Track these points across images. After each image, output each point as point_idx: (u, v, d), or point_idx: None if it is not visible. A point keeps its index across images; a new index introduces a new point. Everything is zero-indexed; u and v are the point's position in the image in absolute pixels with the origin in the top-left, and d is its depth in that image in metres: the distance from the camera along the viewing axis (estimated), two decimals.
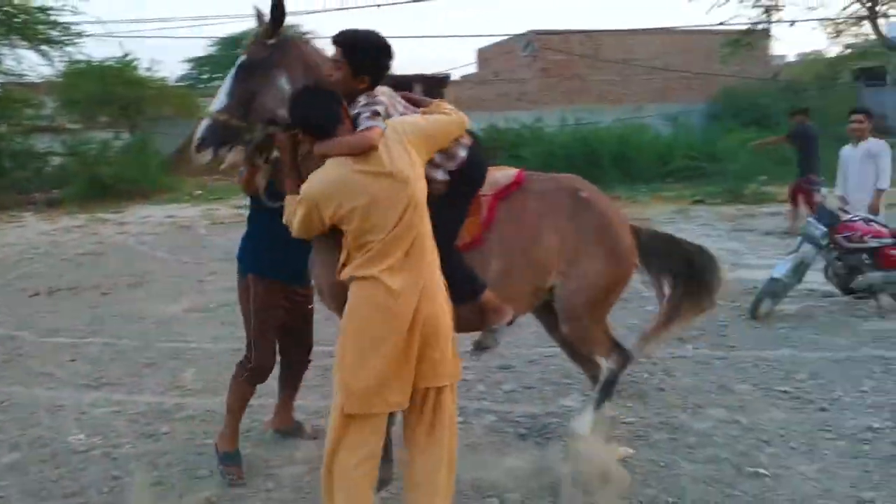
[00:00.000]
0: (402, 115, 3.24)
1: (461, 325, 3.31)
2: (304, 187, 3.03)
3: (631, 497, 3.70)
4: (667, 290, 4.21)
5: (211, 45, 38.21)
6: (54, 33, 19.79)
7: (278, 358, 4.25)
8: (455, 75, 37.92)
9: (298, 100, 3.06)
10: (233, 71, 3.31)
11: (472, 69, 37.63)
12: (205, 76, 39.36)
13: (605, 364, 3.91)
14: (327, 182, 2.98)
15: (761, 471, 3.93)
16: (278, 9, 3.22)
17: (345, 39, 3.16)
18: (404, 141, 3.02)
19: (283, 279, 3.98)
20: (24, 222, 17.66)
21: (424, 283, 2.99)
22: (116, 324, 7.60)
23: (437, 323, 3.02)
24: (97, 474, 4.20)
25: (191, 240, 13.88)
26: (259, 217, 3.92)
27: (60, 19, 19.54)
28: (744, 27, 23.74)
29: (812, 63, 30.33)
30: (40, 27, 19.47)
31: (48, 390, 5.66)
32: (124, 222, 17.01)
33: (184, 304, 8.47)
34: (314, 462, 3.91)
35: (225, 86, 3.31)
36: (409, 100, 3.42)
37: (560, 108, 27.85)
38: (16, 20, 18.75)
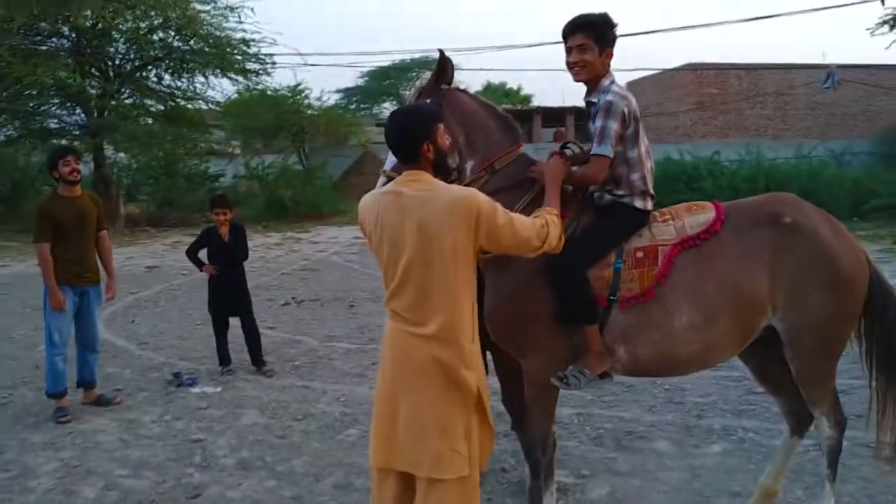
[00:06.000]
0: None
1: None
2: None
3: None
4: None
5: (360, 77, 40.11)
6: (251, 64, 21.04)
7: None
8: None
9: (385, 131, 2.95)
10: None
11: None
12: (352, 106, 41.17)
13: (824, 428, 3.44)
14: None
15: None
16: (442, 63, 3.43)
17: (584, 21, 3.32)
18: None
19: None
20: None
21: None
22: None
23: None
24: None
25: None
26: None
27: (260, 50, 20.74)
28: None
29: None
30: (238, 57, 20.75)
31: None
32: (316, 241, 17.96)
33: None
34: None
35: None
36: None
37: (714, 141, 27.52)
38: (219, 52, 20.03)
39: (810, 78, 28.32)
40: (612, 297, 3.26)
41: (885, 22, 21.54)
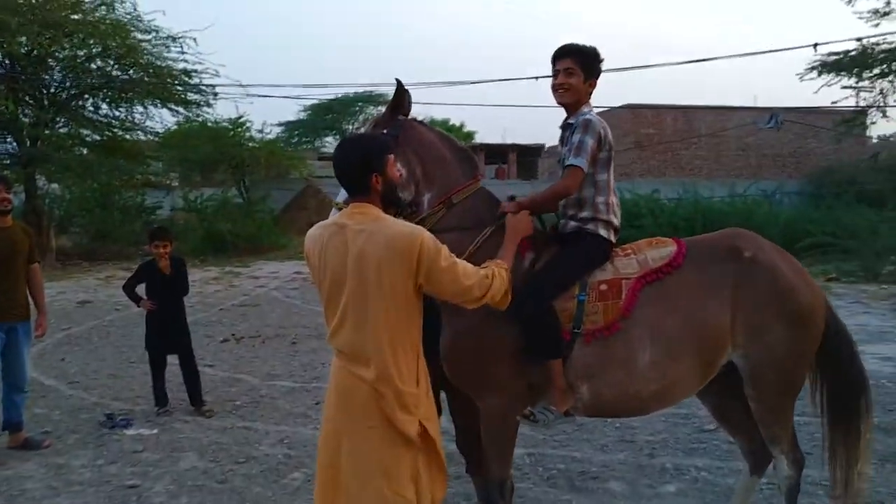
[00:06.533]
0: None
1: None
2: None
3: None
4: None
5: (303, 111, 39.95)
6: (193, 95, 20.71)
7: None
8: (547, 145, 38.73)
9: (333, 161, 2.90)
10: None
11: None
12: (294, 139, 40.92)
13: (783, 468, 3.43)
14: None
15: None
16: (399, 93, 3.39)
17: (574, 48, 3.45)
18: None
19: None
20: None
21: None
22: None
23: None
24: None
25: None
26: None
27: (203, 81, 20.43)
28: (857, 108, 23.58)
29: None
30: (179, 88, 20.42)
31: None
32: (256, 276, 17.59)
33: None
34: None
35: None
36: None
37: (652, 179, 28.10)
38: (159, 82, 19.67)
39: (750, 119, 29.26)
40: (575, 331, 3.21)
41: (814, 67, 22.40)
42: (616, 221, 3.46)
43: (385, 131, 3.35)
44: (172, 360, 6.61)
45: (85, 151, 21.34)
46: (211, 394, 6.95)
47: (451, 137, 3.62)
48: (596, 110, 3.52)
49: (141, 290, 6.60)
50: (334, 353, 2.81)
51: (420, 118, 3.61)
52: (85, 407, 6.67)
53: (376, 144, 2.89)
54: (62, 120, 20.66)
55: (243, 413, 6.44)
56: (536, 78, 15.26)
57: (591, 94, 3.50)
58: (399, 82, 3.40)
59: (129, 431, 5.91)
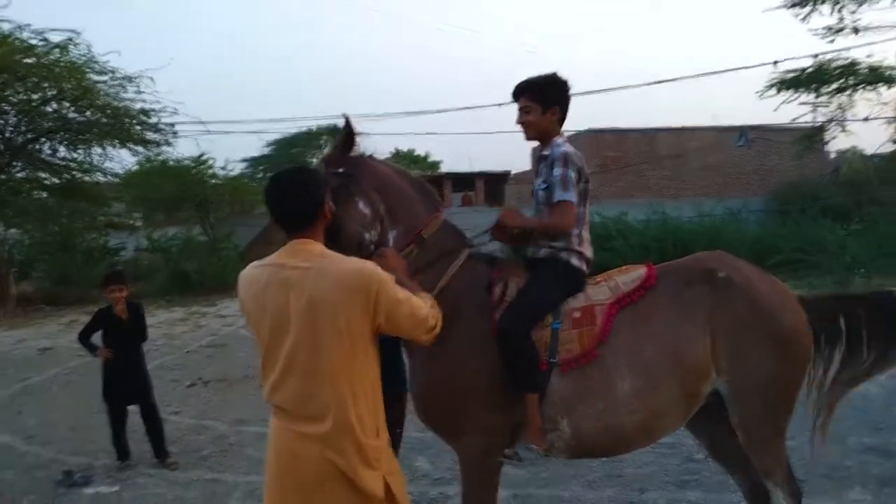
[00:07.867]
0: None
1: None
2: None
3: None
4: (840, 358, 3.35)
5: (266, 146, 39.72)
6: (152, 134, 20.38)
7: None
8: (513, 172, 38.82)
9: (271, 194, 2.58)
10: None
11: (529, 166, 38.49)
12: (259, 175, 40.62)
13: (780, 501, 3.20)
14: None
15: None
16: (349, 130, 3.23)
17: (524, 84, 3.39)
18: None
19: None
20: None
21: None
22: None
23: None
24: None
25: None
26: None
27: (161, 120, 20.12)
28: (816, 124, 23.90)
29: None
30: (137, 128, 20.10)
31: None
32: (223, 315, 17.20)
33: None
34: None
35: None
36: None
37: (618, 201, 28.17)
38: (117, 123, 19.35)
39: (713, 138, 29.55)
40: (551, 360, 3.06)
41: (773, 85, 22.66)
42: (588, 253, 3.38)
43: (341, 170, 3.17)
44: (136, 409, 6.28)
45: (44, 195, 20.89)
46: (177, 443, 6.63)
47: (406, 170, 3.50)
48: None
49: (98, 339, 6.29)
50: (273, 411, 2.54)
51: (370, 153, 3.44)
52: (41, 464, 6.30)
53: (318, 173, 2.76)
54: (19, 164, 20.20)
55: (211, 463, 6.12)
56: (500, 104, 15.23)
57: (559, 121, 3.43)
58: (347, 118, 3.23)
59: (88, 490, 5.57)
